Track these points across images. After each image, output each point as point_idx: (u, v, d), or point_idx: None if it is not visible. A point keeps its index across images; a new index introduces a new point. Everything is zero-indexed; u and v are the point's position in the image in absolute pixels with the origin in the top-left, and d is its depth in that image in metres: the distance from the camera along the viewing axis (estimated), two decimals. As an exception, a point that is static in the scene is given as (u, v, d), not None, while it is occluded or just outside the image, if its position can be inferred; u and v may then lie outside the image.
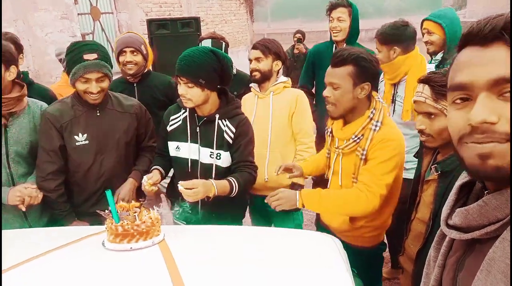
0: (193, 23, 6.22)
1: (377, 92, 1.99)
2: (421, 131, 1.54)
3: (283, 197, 1.77)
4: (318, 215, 2.28)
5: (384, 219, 1.92)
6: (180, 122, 2.03)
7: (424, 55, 2.64)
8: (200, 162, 2.00)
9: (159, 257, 1.42)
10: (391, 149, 1.71)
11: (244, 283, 1.29)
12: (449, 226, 0.75)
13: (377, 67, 1.79)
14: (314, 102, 3.05)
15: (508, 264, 0.61)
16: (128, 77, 2.64)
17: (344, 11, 2.89)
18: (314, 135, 2.61)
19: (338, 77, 1.73)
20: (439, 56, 2.73)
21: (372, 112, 1.76)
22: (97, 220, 1.76)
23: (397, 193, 1.90)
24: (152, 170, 2.03)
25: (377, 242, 2.00)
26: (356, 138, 1.77)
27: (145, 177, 1.95)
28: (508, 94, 0.62)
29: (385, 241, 2.14)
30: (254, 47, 2.45)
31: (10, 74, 1.87)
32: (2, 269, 1.31)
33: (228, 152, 1.98)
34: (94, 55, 1.91)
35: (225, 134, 1.97)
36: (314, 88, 3.25)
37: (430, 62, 2.73)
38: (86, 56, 1.90)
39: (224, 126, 1.97)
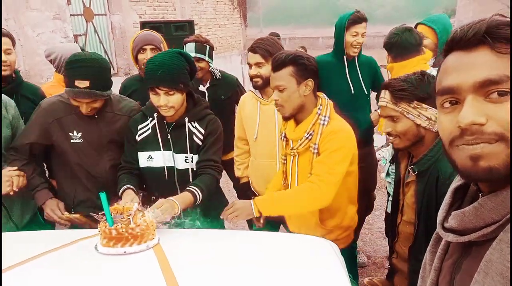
0: (187, 26, 6.21)
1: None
2: (388, 134, 1.64)
3: (239, 208, 1.79)
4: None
5: (351, 217, 2.02)
6: (149, 130, 1.96)
7: None
8: (176, 168, 1.96)
9: (153, 262, 1.39)
10: (340, 139, 1.81)
11: (242, 289, 1.27)
12: (445, 229, 0.75)
13: (315, 64, 1.89)
14: None
15: (506, 265, 0.61)
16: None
17: (365, 25, 2.75)
18: None
19: (282, 79, 1.82)
20: (431, 61, 2.76)
21: (319, 108, 1.86)
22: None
23: (355, 190, 2.00)
24: (125, 190, 1.87)
25: (350, 241, 2.09)
26: (308, 135, 1.86)
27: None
28: (494, 95, 0.63)
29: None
30: (253, 50, 2.30)
31: None
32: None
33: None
34: (86, 83, 1.80)
35: (194, 137, 1.94)
36: None
37: None
38: (77, 83, 1.81)
39: (194, 128, 1.94)
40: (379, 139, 4.58)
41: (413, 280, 1.74)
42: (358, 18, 2.63)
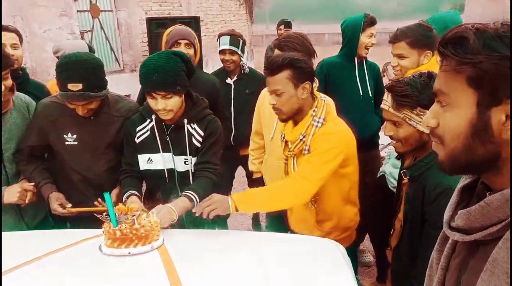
0: (193, 22, 6.19)
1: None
2: (390, 137, 1.60)
3: (216, 201, 1.72)
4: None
5: (349, 218, 1.98)
6: (148, 132, 1.92)
7: None
8: (177, 171, 1.93)
9: (158, 263, 1.38)
10: (331, 141, 1.78)
11: (246, 291, 1.26)
12: (452, 228, 0.75)
13: (311, 66, 1.87)
14: None
15: None
16: None
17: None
18: None
19: (279, 84, 1.78)
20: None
21: (314, 110, 1.84)
22: (91, 224, 1.71)
23: (354, 192, 1.96)
24: (129, 196, 1.85)
25: (351, 242, 2.05)
26: (302, 137, 1.84)
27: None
28: (444, 104, 0.72)
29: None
30: (280, 48, 2.19)
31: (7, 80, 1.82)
32: (-4, 273, 1.27)
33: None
34: (79, 86, 1.75)
35: (193, 139, 1.90)
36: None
37: None
38: (70, 86, 1.75)
39: (193, 130, 1.90)
40: (385, 137, 4.54)
41: (395, 277, 1.73)
42: (374, 20, 2.64)
